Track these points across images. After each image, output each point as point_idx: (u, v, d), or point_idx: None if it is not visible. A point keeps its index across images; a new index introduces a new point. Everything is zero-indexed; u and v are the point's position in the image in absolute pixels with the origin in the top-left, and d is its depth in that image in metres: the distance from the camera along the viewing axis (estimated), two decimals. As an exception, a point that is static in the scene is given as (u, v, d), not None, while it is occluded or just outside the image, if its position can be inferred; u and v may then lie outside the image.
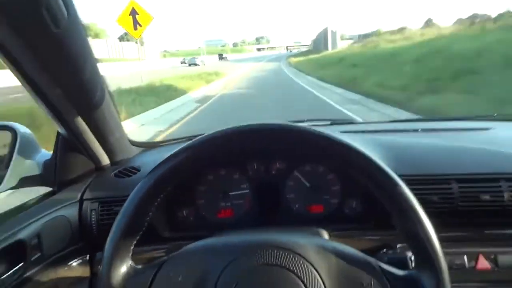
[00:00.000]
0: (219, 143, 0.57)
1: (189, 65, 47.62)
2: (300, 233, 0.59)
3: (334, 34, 48.45)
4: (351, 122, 1.49)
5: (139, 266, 0.57)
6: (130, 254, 0.56)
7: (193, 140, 0.57)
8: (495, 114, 1.40)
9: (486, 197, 0.86)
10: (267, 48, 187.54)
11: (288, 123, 0.56)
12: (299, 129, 0.55)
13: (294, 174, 1.00)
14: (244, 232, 0.62)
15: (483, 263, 0.87)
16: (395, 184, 0.50)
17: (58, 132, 0.98)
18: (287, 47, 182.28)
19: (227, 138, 0.57)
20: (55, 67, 0.82)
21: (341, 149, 0.53)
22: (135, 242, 0.56)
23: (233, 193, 1.01)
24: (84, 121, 0.96)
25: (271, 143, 0.58)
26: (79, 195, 0.95)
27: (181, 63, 53.28)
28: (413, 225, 0.49)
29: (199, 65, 46.90)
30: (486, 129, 1.20)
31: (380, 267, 0.52)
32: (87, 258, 0.95)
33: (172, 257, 0.57)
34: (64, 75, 0.86)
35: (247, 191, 1.01)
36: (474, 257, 0.88)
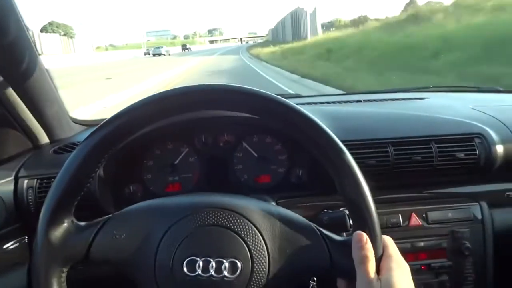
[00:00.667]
0: (160, 105, 0.54)
1: (154, 55, 47.57)
2: (244, 196, 0.60)
3: (313, 15, 35.93)
4: (298, 95, 1.53)
5: (82, 223, 0.55)
6: (72, 211, 0.54)
7: (136, 102, 0.54)
8: (431, 86, 1.54)
9: (418, 157, 0.93)
10: (220, 40, 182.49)
11: (233, 85, 0.55)
12: (243, 90, 0.53)
13: (242, 145, 1.02)
14: (189, 195, 0.62)
15: (415, 221, 0.95)
16: (339, 150, 0.51)
17: None
18: (241, 39, 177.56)
19: (168, 99, 0.54)
20: None
21: (287, 112, 0.53)
22: (76, 202, 0.54)
23: (181, 166, 1.01)
24: (18, 95, 0.91)
25: (215, 105, 0.55)
26: (14, 173, 0.89)
27: (145, 54, 51.45)
28: (352, 191, 0.51)
29: (164, 55, 47.55)
30: (422, 98, 1.32)
31: (320, 231, 0.55)
32: (26, 240, 0.90)
33: (116, 215, 0.56)
34: None
35: (195, 164, 1.02)
36: (407, 216, 0.96)
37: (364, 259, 0.48)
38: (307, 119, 0.52)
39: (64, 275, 0.53)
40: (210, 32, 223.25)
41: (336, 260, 0.52)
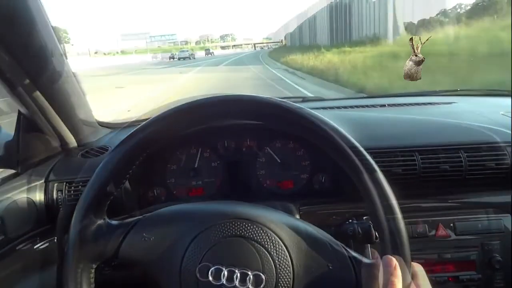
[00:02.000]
0: (187, 115, 0.56)
1: (179, 59, 45.50)
2: (273, 209, 0.60)
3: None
4: (321, 99, 1.50)
5: (114, 222, 0.57)
6: (104, 211, 0.57)
7: (161, 112, 0.56)
8: (458, 89, 1.49)
9: (446, 166, 0.91)
10: (233, 46, 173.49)
11: (258, 96, 0.56)
12: (269, 101, 0.55)
13: (265, 151, 1.02)
14: (219, 202, 0.62)
15: (443, 231, 0.93)
16: (372, 171, 0.51)
17: (19, 111, 0.94)
18: (254, 44, 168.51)
19: (194, 109, 0.56)
20: (11, 41, 0.80)
21: (309, 121, 0.54)
22: (108, 202, 0.57)
23: (204, 171, 1.02)
24: (46, 99, 0.93)
25: (240, 115, 0.58)
26: (44, 176, 0.92)
27: (170, 58, 49.83)
28: (383, 215, 0.50)
29: (190, 58, 45.68)
30: (450, 103, 1.28)
31: (347, 253, 0.54)
32: (55, 241, 0.92)
33: (146, 217, 0.58)
34: (21, 50, 0.83)
35: (218, 169, 1.03)
36: (434, 226, 0.93)
37: (391, 285, 0.47)
38: (328, 126, 0.53)
39: (93, 271, 0.55)
40: (222, 37, 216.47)
41: (362, 282, 0.52)
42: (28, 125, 0.95)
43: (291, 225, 0.56)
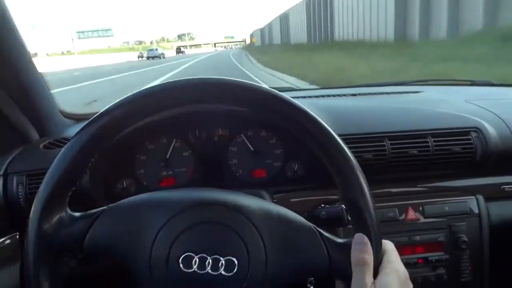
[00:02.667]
0: (155, 98, 0.52)
1: (148, 58, 41.71)
2: (242, 193, 0.58)
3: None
4: (292, 88, 1.52)
5: (76, 214, 0.53)
6: (66, 203, 0.52)
7: (126, 97, 0.52)
8: (427, 79, 1.58)
9: (415, 151, 0.93)
10: (190, 46, 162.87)
11: (230, 79, 0.53)
12: (241, 84, 0.52)
13: (237, 139, 1.00)
14: (187, 189, 0.60)
15: (412, 214, 0.95)
16: (340, 150, 0.50)
17: None
18: (215, 44, 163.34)
19: (163, 92, 0.52)
20: None
21: (285, 107, 0.51)
22: (69, 193, 0.52)
23: (175, 161, 0.99)
24: (4, 87, 0.89)
25: (212, 98, 0.53)
26: (2, 169, 0.87)
27: (138, 57, 46.87)
28: (353, 192, 0.50)
29: (160, 58, 41.10)
30: (418, 92, 1.31)
31: (319, 232, 0.54)
32: (17, 237, 0.87)
33: (112, 207, 0.55)
34: None
35: (189, 158, 1.00)
36: (404, 210, 0.95)
37: (362, 261, 0.48)
38: (304, 112, 0.51)
39: (58, 266, 0.52)
40: (180, 37, 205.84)
41: (335, 261, 0.52)
42: None
43: (262, 208, 0.55)
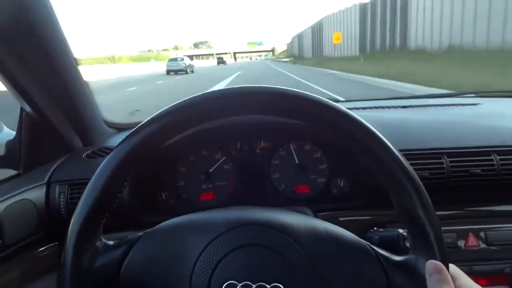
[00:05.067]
0: (197, 109, 0.48)
1: (168, 72, 27.42)
2: (285, 210, 0.54)
3: None
4: (339, 100, 1.46)
5: (111, 242, 0.51)
6: (100, 230, 0.50)
7: (170, 106, 0.49)
8: (481, 91, 1.41)
9: (478, 171, 0.85)
10: (203, 55, 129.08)
11: (279, 87, 0.48)
12: (292, 93, 0.47)
13: (280, 153, 0.97)
14: (227, 209, 0.56)
15: (473, 241, 0.87)
16: (400, 163, 0.45)
17: (21, 109, 0.90)
18: (235, 54, 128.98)
19: (207, 102, 0.48)
20: (15, 37, 0.78)
21: (340, 118, 0.47)
22: (104, 219, 0.49)
23: (215, 174, 0.97)
24: (51, 96, 0.90)
25: (262, 109, 0.49)
26: (46, 177, 0.88)
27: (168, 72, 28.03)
28: (412, 205, 0.44)
29: (186, 72, 27.48)
30: (474, 104, 1.20)
31: (374, 251, 0.48)
32: (56, 246, 0.88)
33: (148, 233, 0.52)
34: (27, 46, 0.82)
35: (230, 172, 0.97)
36: (464, 235, 0.87)
37: None
38: (360, 124, 0.46)
39: None
40: (197, 45, 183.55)
41: (394, 282, 0.46)
42: (31, 124, 0.91)
43: (307, 225, 0.50)
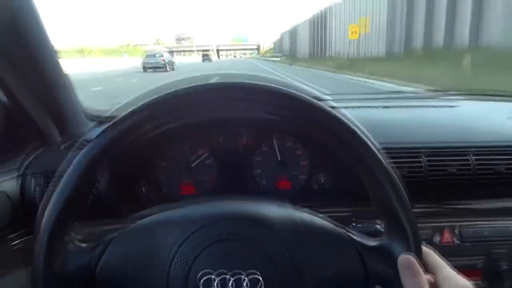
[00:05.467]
0: (181, 101, 0.49)
1: (144, 69, 24.04)
2: (263, 202, 0.54)
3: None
4: (319, 98, 1.40)
5: (83, 245, 0.50)
6: (72, 230, 0.49)
7: (155, 97, 0.49)
8: (462, 90, 1.46)
9: (454, 170, 0.87)
10: (185, 51, 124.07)
11: (264, 83, 0.49)
12: (276, 90, 0.48)
13: (262, 148, 0.97)
14: (202, 204, 0.55)
15: (448, 237, 0.89)
16: (375, 157, 0.47)
17: None
18: (218, 50, 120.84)
19: (191, 95, 0.49)
20: None
21: (319, 114, 0.48)
22: (76, 217, 0.49)
23: (196, 169, 0.96)
24: (27, 86, 0.87)
25: (244, 105, 0.50)
26: (21, 169, 0.86)
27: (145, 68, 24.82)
28: (387, 194, 0.46)
29: (166, 70, 23.96)
30: (453, 106, 1.22)
31: (350, 237, 0.50)
32: (32, 240, 0.85)
33: (123, 233, 0.51)
34: (4, 35, 0.79)
35: (211, 167, 0.97)
36: (439, 231, 0.89)
37: (419, 286, 0.43)
38: (340, 121, 0.48)
39: None
40: (179, 40, 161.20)
41: (371, 268, 0.48)
42: (6, 114, 0.88)
43: (284, 215, 0.51)
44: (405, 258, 0.45)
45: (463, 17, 14.88)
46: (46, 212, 0.46)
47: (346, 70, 17.90)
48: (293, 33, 54.87)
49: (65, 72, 0.99)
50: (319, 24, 37.07)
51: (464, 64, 10.97)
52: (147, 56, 26.36)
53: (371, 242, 0.49)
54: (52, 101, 0.96)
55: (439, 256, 0.49)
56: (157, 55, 25.97)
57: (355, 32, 21.51)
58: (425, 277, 0.43)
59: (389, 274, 0.46)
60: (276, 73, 21.22)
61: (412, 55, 16.89)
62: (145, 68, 24.62)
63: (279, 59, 52.89)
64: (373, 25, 22.28)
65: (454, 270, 0.46)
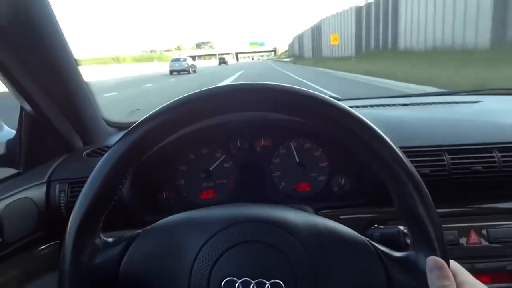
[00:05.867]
0: (199, 105, 0.48)
1: (171, 73, 27.77)
2: (285, 207, 0.54)
3: None
4: (339, 99, 1.39)
5: (110, 240, 0.50)
6: (100, 227, 0.49)
7: (171, 102, 0.48)
8: (482, 88, 1.40)
9: (479, 167, 0.84)
10: (205, 55, 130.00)
11: (281, 84, 0.48)
12: (294, 90, 0.47)
13: (280, 151, 0.97)
14: (225, 206, 0.55)
15: (475, 238, 0.86)
16: (398, 158, 0.45)
17: (21, 108, 0.90)
18: (237, 54, 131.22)
19: (208, 98, 0.48)
20: (15, 37, 0.78)
21: (341, 115, 0.46)
22: (103, 216, 0.49)
23: (216, 172, 0.96)
24: (50, 95, 0.90)
25: (261, 106, 0.48)
26: (46, 176, 0.88)
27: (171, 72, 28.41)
28: (413, 201, 0.44)
29: (189, 72, 27.73)
30: (475, 102, 1.19)
31: (374, 247, 0.48)
32: (57, 245, 0.88)
33: (146, 231, 0.52)
34: (27, 46, 0.82)
35: (230, 170, 0.97)
36: (465, 233, 0.86)
37: None
38: (364, 124, 0.46)
39: None
40: (199, 45, 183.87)
41: (395, 279, 0.46)
42: (31, 123, 0.91)
43: (307, 222, 0.50)
44: (434, 260, 0.43)
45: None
46: (73, 212, 0.47)
47: (320, 65, 26.86)
48: (301, 38, 62.87)
49: (85, 81, 1.00)
50: (317, 32, 44.86)
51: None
52: (173, 61, 30.28)
53: (396, 253, 0.48)
54: (73, 110, 0.98)
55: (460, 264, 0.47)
56: (181, 60, 30.13)
57: (335, 39, 28.70)
58: (453, 282, 0.42)
59: (413, 286, 0.45)
60: (278, 68, 29.62)
61: (362, 56, 25.26)
62: (171, 72, 28.06)
63: (288, 59, 65.19)
64: (347, 35, 32.24)
65: (475, 277, 0.45)
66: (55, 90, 0.92)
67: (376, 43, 27.69)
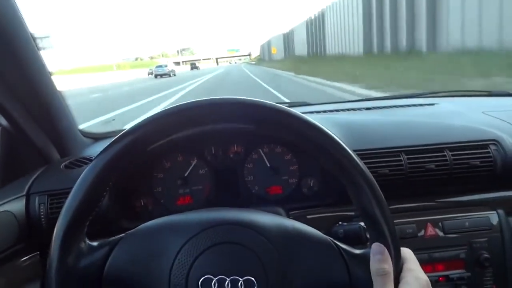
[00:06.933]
0: (173, 119, 0.53)
1: (155, 76, 35.96)
2: (256, 210, 0.59)
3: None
4: (306, 103, 1.50)
5: (94, 243, 0.54)
6: (84, 232, 0.53)
7: (147, 117, 0.53)
8: (441, 91, 1.54)
9: (432, 166, 0.92)
10: (187, 61, 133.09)
11: (243, 98, 0.53)
12: (255, 103, 0.52)
13: (252, 156, 1.01)
14: (202, 211, 0.60)
15: (431, 231, 0.94)
16: (352, 161, 0.50)
17: None
18: (217, 59, 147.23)
19: (181, 113, 0.53)
20: None
21: (298, 123, 0.51)
22: (88, 221, 0.53)
23: (192, 179, 1.00)
24: (26, 109, 0.91)
25: (226, 118, 0.54)
26: (25, 189, 0.88)
27: (148, 74, 42.59)
28: (368, 202, 0.50)
29: (170, 76, 36.14)
30: (432, 104, 1.31)
31: (337, 245, 0.53)
32: (38, 257, 0.89)
33: (129, 234, 0.55)
34: (0, 60, 0.83)
35: (205, 176, 1.01)
36: (423, 226, 0.94)
37: (382, 272, 0.47)
38: (318, 129, 0.51)
39: None
40: (180, 52, 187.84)
41: (355, 274, 0.51)
42: (7, 137, 0.92)
43: (277, 224, 0.54)
44: (377, 246, 0.49)
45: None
46: (59, 219, 0.50)
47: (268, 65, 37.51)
48: (264, 46, 79.29)
49: (60, 93, 1.01)
50: (268, 45, 59.59)
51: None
52: (157, 67, 39.66)
53: (356, 250, 0.53)
54: (49, 122, 0.99)
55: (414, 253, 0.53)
56: (164, 66, 39.63)
57: (274, 50, 41.76)
58: (390, 266, 0.47)
59: (370, 279, 0.49)
60: (243, 69, 41.87)
61: (312, 59, 32.80)
62: (156, 76, 36.67)
63: (254, 62, 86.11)
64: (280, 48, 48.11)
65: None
66: (30, 102, 0.92)
67: (309, 51, 37.86)
